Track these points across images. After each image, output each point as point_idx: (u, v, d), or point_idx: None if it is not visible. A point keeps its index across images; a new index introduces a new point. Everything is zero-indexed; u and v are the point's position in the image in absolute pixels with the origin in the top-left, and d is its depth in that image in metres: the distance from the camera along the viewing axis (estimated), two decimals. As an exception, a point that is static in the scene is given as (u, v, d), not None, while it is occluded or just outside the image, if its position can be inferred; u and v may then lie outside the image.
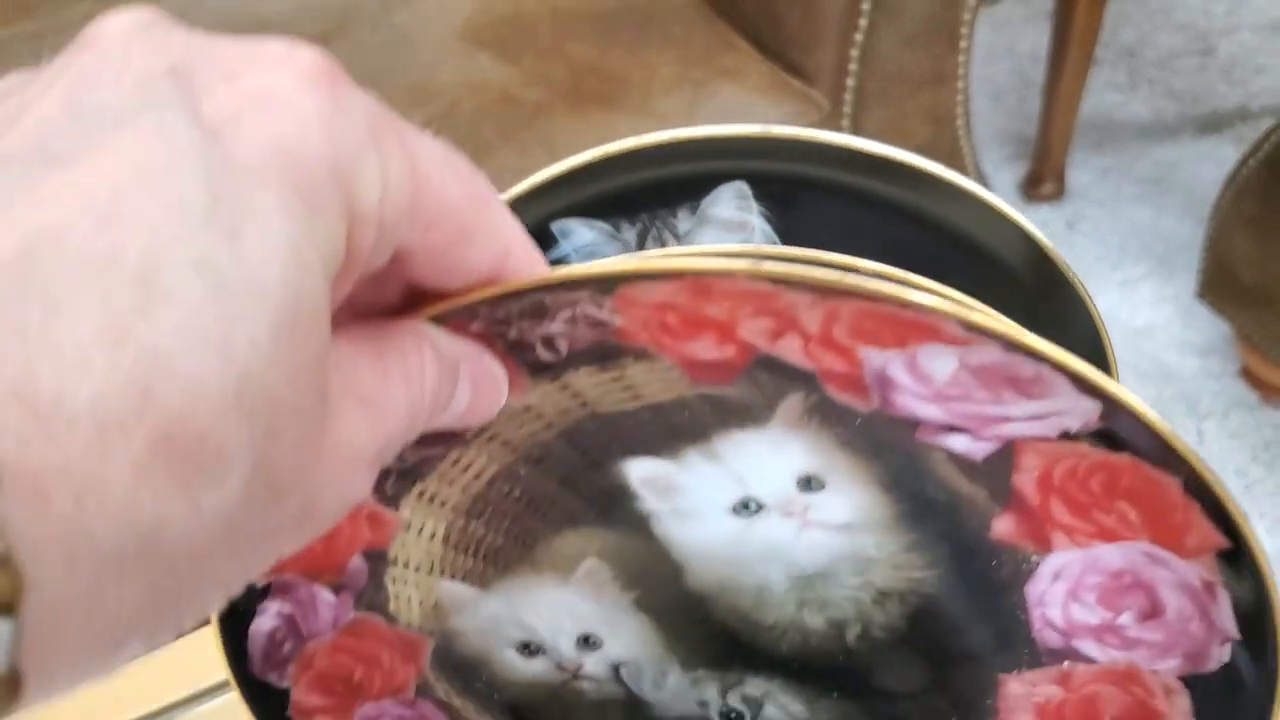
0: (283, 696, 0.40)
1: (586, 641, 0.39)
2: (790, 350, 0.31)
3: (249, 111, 0.22)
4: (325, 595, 0.38)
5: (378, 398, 0.25)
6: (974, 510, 0.33)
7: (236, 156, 0.21)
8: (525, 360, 0.32)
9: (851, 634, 0.37)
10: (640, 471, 0.35)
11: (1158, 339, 1.67)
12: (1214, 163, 1.74)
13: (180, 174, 0.20)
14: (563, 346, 0.32)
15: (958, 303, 0.28)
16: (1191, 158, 1.88)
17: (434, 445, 0.35)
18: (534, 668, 0.40)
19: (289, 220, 0.21)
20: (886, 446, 0.33)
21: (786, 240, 0.43)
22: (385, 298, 0.28)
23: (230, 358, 0.19)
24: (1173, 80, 2.01)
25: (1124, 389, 0.28)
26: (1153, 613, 0.34)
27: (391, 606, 0.39)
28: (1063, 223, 1.84)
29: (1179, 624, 0.34)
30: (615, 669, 0.39)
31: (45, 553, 0.18)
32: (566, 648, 0.39)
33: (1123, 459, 0.31)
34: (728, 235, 0.43)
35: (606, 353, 0.32)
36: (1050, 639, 0.36)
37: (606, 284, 0.29)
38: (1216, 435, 1.58)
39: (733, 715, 0.39)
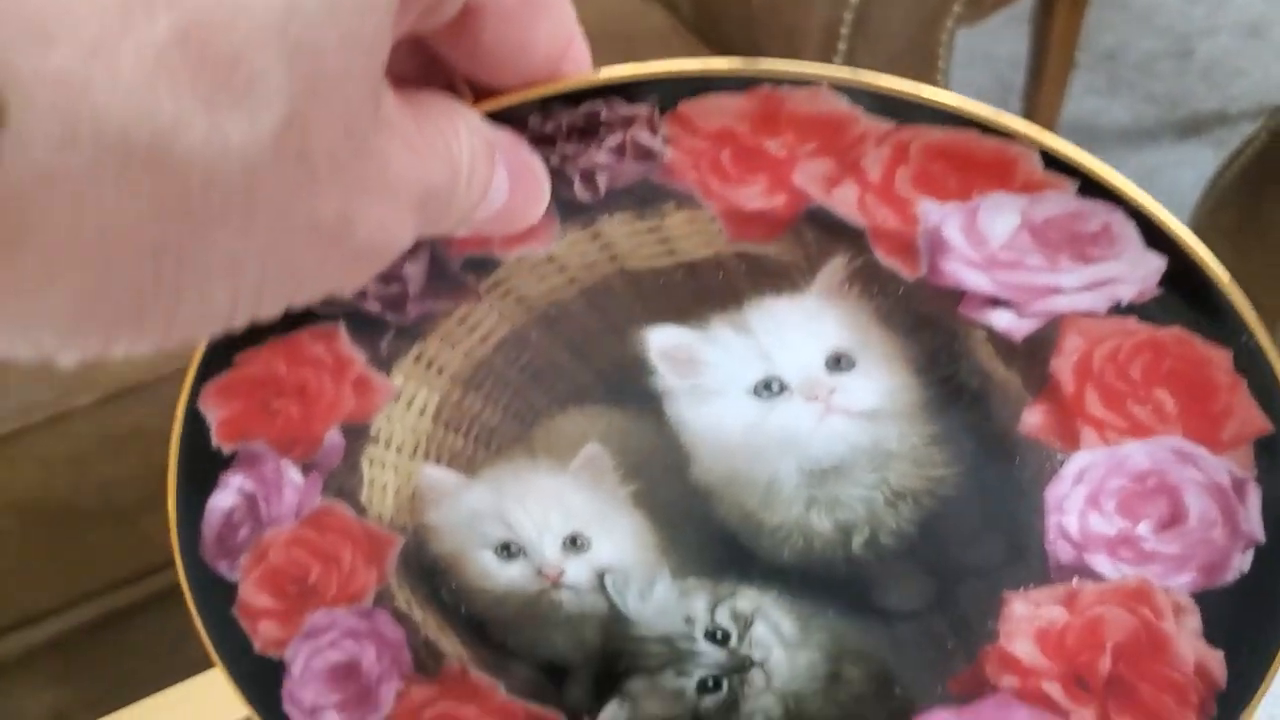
0: (230, 591, 0.37)
1: (574, 543, 0.36)
2: (845, 202, 0.30)
3: None
4: (293, 475, 0.35)
5: (420, 146, 0.23)
6: (1005, 399, 0.32)
7: None
8: (560, 198, 0.30)
9: (858, 540, 0.35)
10: (661, 341, 0.33)
11: (1138, 346, 1.69)
12: (1193, 167, 1.71)
13: None
14: (603, 183, 0.30)
15: (1040, 131, 0.27)
16: (1172, 162, 1.89)
17: (444, 297, 0.32)
18: (510, 573, 0.37)
19: None
20: (926, 322, 0.32)
21: None
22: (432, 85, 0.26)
23: None
24: (1152, 84, 2.03)
25: (1194, 237, 0.28)
26: (1173, 520, 0.33)
27: (364, 495, 0.36)
28: (1043, 227, 1.86)
29: (1200, 531, 0.33)
30: (600, 577, 0.37)
31: (35, 93, 0.16)
32: (551, 549, 0.36)
33: (1171, 333, 0.30)
34: None
35: (647, 195, 0.30)
36: (1062, 552, 0.35)
37: (670, 92, 0.27)
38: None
39: (719, 635, 0.37)
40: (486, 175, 0.25)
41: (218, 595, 0.36)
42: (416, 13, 0.22)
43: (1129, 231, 0.28)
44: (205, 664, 0.38)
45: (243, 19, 0.18)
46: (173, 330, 0.19)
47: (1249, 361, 0.29)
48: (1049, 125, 1.83)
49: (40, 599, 0.75)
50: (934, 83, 1.20)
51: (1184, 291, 0.29)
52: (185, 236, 0.18)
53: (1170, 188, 1.84)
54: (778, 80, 0.27)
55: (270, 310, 0.21)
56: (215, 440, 0.34)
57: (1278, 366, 0.29)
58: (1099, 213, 0.28)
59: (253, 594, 0.37)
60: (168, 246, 0.18)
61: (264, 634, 0.37)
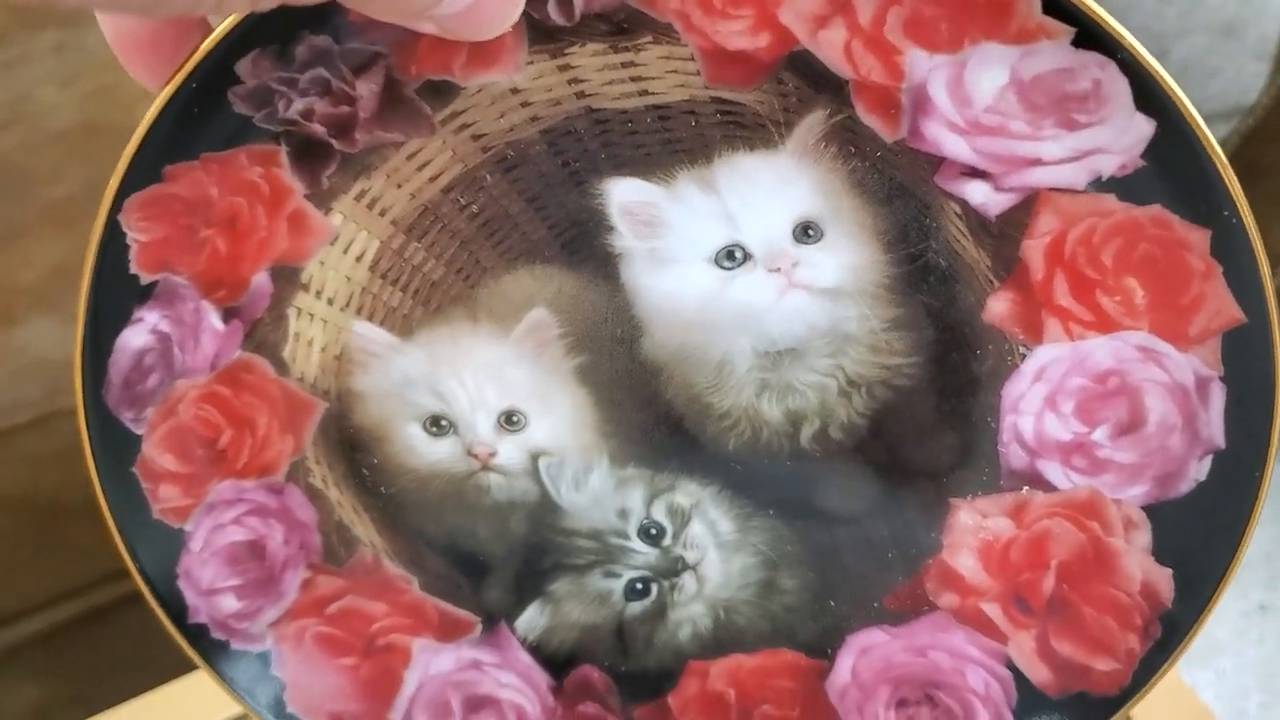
0: (132, 445, 0.34)
1: (509, 420, 0.34)
2: (831, 45, 0.28)
3: None
4: (213, 319, 0.33)
5: None
6: (972, 282, 0.31)
7: None
8: (531, 20, 0.28)
9: (807, 432, 0.34)
10: (623, 194, 0.31)
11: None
12: None
13: None
14: (579, 4, 0.28)
15: None
16: None
17: (396, 126, 0.30)
18: (438, 451, 0.35)
19: None
20: (900, 191, 0.31)
21: None
22: None
23: None
24: None
25: (1188, 101, 0.27)
26: (1131, 425, 0.32)
27: (286, 350, 0.33)
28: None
29: (1158, 438, 0.32)
30: (534, 460, 0.35)
31: None
32: (484, 427, 0.34)
33: (1150, 213, 0.29)
34: None
35: (625, 23, 0.29)
36: (1014, 457, 0.33)
37: None
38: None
39: (653, 531, 0.35)
40: None
41: (118, 446, 0.33)
42: None
43: (1120, 89, 0.27)
44: (190, 664, 0.36)
45: None
46: None
47: (1228, 243, 0.29)
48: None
49: (25, 595, 0.74)
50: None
51: (1169, 162, 0.28)
52: None
53: None
54: None
55: None
56: (134, 265, 0.31)
57: (1259, 247, 0.28)
58: (1091, 68, 0.27)
59: (156, 452, 0.34)
60: None
61: (164, 498, 0.34)
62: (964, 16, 0.27)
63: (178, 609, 0.35)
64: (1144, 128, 0.28)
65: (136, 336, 0.32)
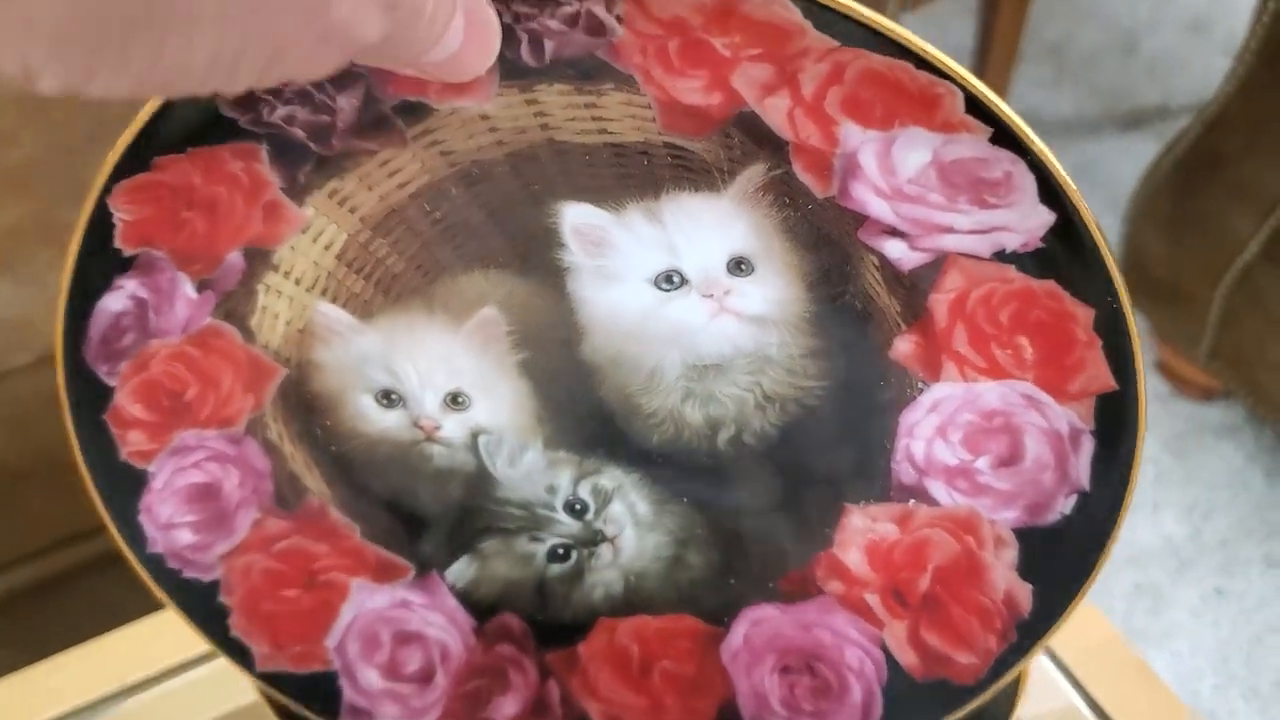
0: (105, 395, 0.36)
1: (454, 400, 0.37)
2: (775, 110, 0.31)
3: None
4: (187, 289, 0.35)
5: None
6: (882, 324, 0.35)
7: None
8: (504, 57, 0.31)
9: (724, 435, 0.38)
10: (576, 217, 0.34)
11: (1076, 335, 1.71)
12: (1134, 159, 1.74)
13: None
14: (549, 49, 0.31)
15: (968, 75, 0.29)
16: (1113, 154, 1.92)
17: (371, 137, 0.33)
18: (387, 420, 0.38)
19: None
20: (826, 240, 0.34)
21: None
22: None
23: None
24: (1096, 78, 2.05)
25: (1083, 202, 0.30)
26: (1010, 459, 0.36)
27: (254, 320, 0.36)
28: (986, 221, 1.87)
29: (1033, 473, 0.36)
30: (474, 436, 0.38)
31: None
32: (431, 403, 0.37)
33: (1045, 286, 0.33)
34: None
35: (590, 70, 0.31)
36: (905, 474, 0.37)
37: None
38: (1129, 428, 1.63)
39: (578, 506, 0.39)
40: (449, 15, 0.26)
41: (92, 396, 0.36)
42: None
43: (1027, 184, 0.30)
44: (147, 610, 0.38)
45: None
46: (152, 74, 0.19)
47: (1110, 323, 0.32)
48: (993, 116, 1.87)
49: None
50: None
51: (1065, 247, 0.31)
52: None
53: (1111, 178, 1.87)
54: None
55: (241, 81, 0.21)
56: (118, 240, 0.33)
57: (1134, 331, 0.32)
58: (1004, 161, 0.30)
59: (127, 401, 0.37)
60: None
61: (132, 442, 0.37)
62: (896, 103, 0.30)
63: (138, 539, 0.38)
64: (1046, 216, 0.31)
65: (115, 301, 0.35)
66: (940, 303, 0.34)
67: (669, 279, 0.35)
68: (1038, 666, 0.55)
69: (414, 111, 0.32)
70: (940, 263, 0.33)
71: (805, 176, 0.32)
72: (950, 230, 0.32)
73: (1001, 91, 1.83)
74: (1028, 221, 0.31)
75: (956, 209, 0.32)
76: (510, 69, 0.31)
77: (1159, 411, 1.64)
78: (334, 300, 0.36)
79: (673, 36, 0.30)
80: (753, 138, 0.32)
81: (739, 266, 0.35)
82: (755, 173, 0.33)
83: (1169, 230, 1.47)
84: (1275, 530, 1.50)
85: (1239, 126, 1.38)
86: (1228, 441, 1.60)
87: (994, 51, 1.80)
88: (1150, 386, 1.70)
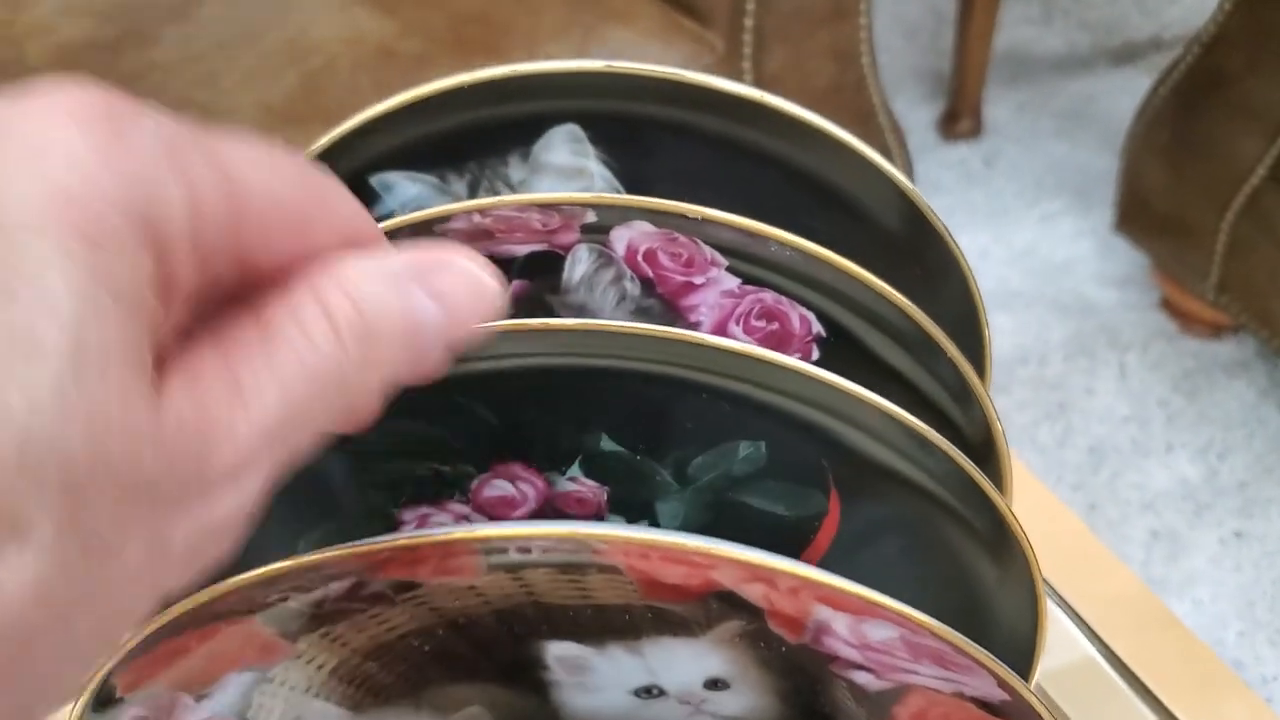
0: None
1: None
2: (753, 593, 0.33)
3: (17, 165, 0.21)
4: (186, 699, 0.36)
5: (246, 381, 0.22)
6: (850, 726, 0.37)
7: (6, 215, 0.20)
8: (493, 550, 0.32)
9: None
10: (560, 651, 0.35)
11: (1077, 273, 1.64)
12: (1129, 94, 1.70)
13: None
14: (538, 548, 0.32)
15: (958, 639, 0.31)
16: (1107, 90, 1.89)
17: (361, 602, 0.34)
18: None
19: (71, 266, 0.20)
20: (798, 670, 0.36)
21: (632, 188, 0.39)
22: None
23: (7, 422, 0.19)
24: (1086, 12, 2.01)
25: (1037, 700, 0.32)
26: None
27: (250, 713, 0.38)
28: (980, 160, 1.81)
29: None
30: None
31: None
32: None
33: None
34: (565, 184, 0.38)
35: (576, 562, 0.32)
36: None
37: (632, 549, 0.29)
38: (1138, 367, 1.54)
39: None
40: (396, 310, 0.24)
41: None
42: (177, 303, 0.22)
43: (986, 674, 0.32)
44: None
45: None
46: None
47: None
48: (983, 55, 1.77)
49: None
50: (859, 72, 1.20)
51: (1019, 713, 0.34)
52: (13, 671, 0.20)
53: (1106, 115, 1.85)
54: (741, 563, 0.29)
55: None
56: (118, 693, 0.35)
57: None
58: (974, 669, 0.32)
59: None
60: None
61: None
62: (866, 611, 0.32)
63: None
64: (1003, 694, 0.33)
65: (117, 726, 0.36)
66: (902, 713, 0.36)
67: (648, 691, 0.37)
68: (1056, 620, 0.53)
69: (404, 587, 0.33)
70: (906, 687, 0.35)
71: (779, 629, 0.34)
72: (915, 674, 0.34)
73: (989, 29, 1.76)
74: (988, 689, 0.33)
75: (919, 664, 0.34)
76: (499, 563, 0.32)
77: (1166, 350, 1.57)
78: (326, 699, 0.37)
79: (653, 554, 0.31)
80: (730, 604, 0.33)
81: (715, 684, 0.36)
82: (732, 626, 0.34)
83: (1170, 159, 1.39)
84: (1294, 468, 1.40)
85: (1240, 43, 1.31)
86: (1239, 378, 1.54)
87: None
88: (1156, 324, 1.61)
